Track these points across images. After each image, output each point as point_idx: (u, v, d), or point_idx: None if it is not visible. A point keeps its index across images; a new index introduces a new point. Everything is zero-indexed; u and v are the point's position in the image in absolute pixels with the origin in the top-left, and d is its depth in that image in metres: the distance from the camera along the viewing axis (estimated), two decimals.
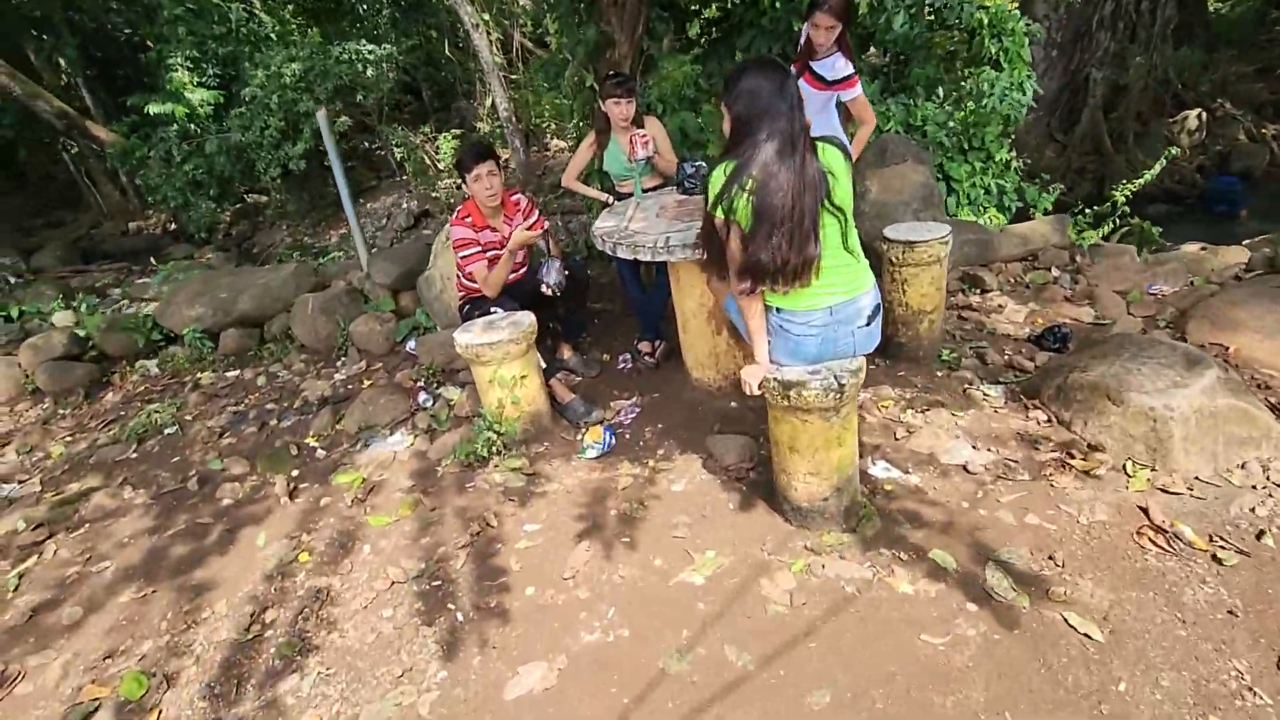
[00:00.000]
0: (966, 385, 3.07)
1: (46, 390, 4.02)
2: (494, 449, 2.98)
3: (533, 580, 2.36)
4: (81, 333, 4.13)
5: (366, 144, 11.21)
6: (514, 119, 8.83)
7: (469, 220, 3.22)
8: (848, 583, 2.16)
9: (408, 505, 2.82)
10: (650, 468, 2.83)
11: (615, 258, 2.97)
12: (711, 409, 3.12)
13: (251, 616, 2.39)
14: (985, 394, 2.99)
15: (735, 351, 3.07)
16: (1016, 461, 2.58)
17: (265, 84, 8.82)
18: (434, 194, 9.24)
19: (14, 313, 4.79)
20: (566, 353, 3.63)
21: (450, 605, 2.31)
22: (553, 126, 10.16)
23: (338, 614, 2.35)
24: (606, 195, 3.74)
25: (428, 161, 9.51)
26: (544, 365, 3.17)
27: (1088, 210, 5.20)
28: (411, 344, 3.98)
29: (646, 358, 3.49)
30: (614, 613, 2.19)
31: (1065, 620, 1.93)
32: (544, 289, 3.14)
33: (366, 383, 3.80)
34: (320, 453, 3.28)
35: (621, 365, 3.62)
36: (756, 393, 2.26)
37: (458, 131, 9.76)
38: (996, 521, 2.32)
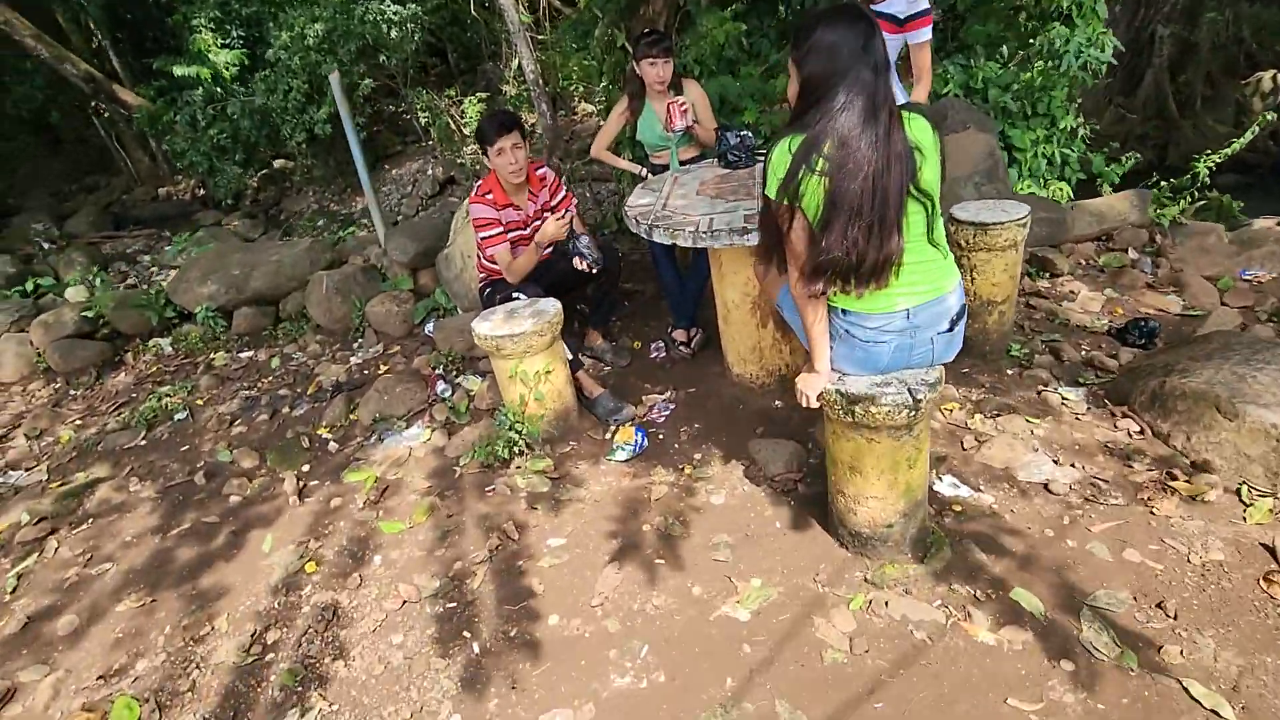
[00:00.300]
0: (1041, 386, 2.70)
1: (58, 370, 3.82)
2: (516, 449, 2.70)
3: (557, 606, 2.09)
4: (91, 313, 3.90)
5: (392, 108, 10.84)
6: (541, 81, 8.38)
7: (489, 197, 2.88)
8: (917, 626, 1.85)
9: (423, 510, 2.56)
10: (687, 475, 2.53)
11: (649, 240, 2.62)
12: (754, 408, 2.79)
13: (253, 636, 2.15)
14: (1064, 398, 2.62)
15: (782, 346, 2.72)
16: (1107, 481, 2.22)
17: (288, 45, 8.47)
18: (459, 160, 8.89)
19: (29, 287, 4.59)
20: (595, 339, 3.32)
21: (466, 633, 2.05)
22: (581, 89, 9.67)
23: (344, 637, 2.11)
24: (639, 167, 3.37)
25: (453, 126, 9.13)
26: (570, 357, 2.86)
27: (1163, 183, 4.68)
28: (430, 326, 3.70)
29: (681, 347, 3.16)
30: (648, 651, 1.91)
31: (1185, 690, 1.60)
32: (580, 266, 2.80)
33: (383, 368, 3.53)
34: (333, 446, 3.03)
35: (654, 354, 3.29)
36: (814, 405, 1.93)
37: (484, 95, 9.33)
38: (1088, 556, 1.98)
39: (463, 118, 9.36)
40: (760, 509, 2.33)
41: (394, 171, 9.97)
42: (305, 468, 2.92)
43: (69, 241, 9.34)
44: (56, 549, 2.69)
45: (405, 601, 2.19)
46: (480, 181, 2.93)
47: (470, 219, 2.95)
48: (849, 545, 2.10)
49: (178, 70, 9.52)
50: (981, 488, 2.28)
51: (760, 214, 1.80)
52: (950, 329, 1.83)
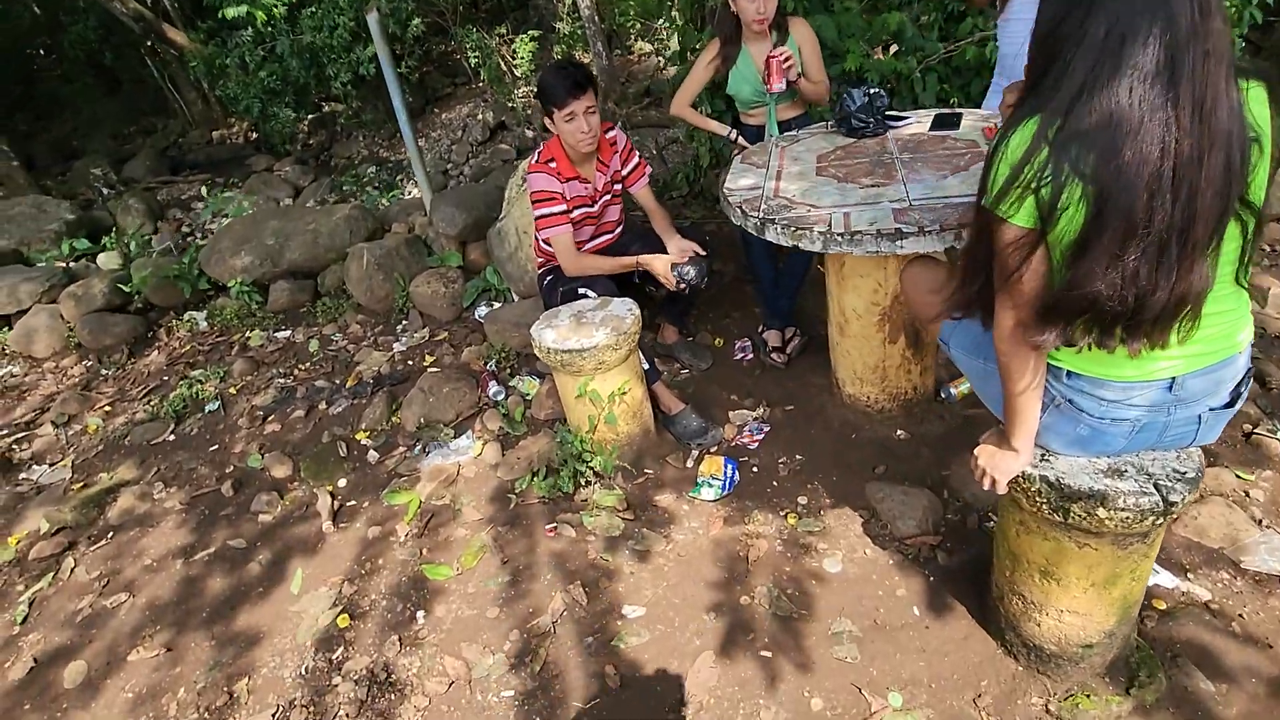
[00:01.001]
0: (1249, 426, 2.05)
1: (88, 347, 3.46)
2: (582, 480, 2.21)
3: (640, 711, 1.62)
4: (129, 288, 3.48)
5: (441, 47, 10.11)
6: (596, 18, 7.55)
7: (553, 165, 2.30)
8: None
9: (473, 551, 2.10)
10: (791, 526, 2.00)
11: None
12: (870, 438, 2.22)
13: (274, 717, 1.75)
14: None
15: (912, 365, 2.12)
16: None
17: None
18: (510, 104, 8.21)
19: (65, 249, 4.22)
20: (669, 335, 2.76)
21: None
22: (638, 26, 8.77)
23: None
24: (728, 129, 2.71)
25: (503, 67, 8.39)
26: (646, 366, 2.31)
27: None
28: (481, 311, 3.18)
29: (774, 354, 2.57)
30: None
31: None
32: (680, 288, 2.25)
33: (429, 359, 3.04)
34: (373, 455, 2.58)
35: (739, 355, 2.72)
36: (1001, 491, 1.36)
37: (535, 33, 8.53)
38: None
39: (514, 58, 8.62)
40: (890, 584, 1.80)
41: (444, 116, 9.35)
42: (341, 482, 2.49)
43: (127, 186, 9.10)
44: (73, 569, 2.34)
45: (453, 683, 1.75)
46: (541, 147, 2.34)
47: (528, 191, 2.37)
48: (1021, 658, 1.55)
49: (229, 11, 8.97)
50: (1190, 574, 1.70)
51: (972, 234, 1.18)
52: (1230, 403, 1.22)
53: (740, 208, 1.87)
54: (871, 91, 2.14)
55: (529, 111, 8.17)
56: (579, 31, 8.22)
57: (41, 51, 13.00)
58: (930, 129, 2.13)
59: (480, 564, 2.07)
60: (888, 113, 2.18)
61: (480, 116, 9.00)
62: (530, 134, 8.11)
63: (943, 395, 2.29)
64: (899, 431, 2.21)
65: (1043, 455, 1.33)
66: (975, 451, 1.38)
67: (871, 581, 1.81)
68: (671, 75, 7.44)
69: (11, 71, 12.32)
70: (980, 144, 1.97)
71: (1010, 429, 1.29)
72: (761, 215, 1.79)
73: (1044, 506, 1.30)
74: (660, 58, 8.42)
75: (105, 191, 9.30)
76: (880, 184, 1.83)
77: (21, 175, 8.93)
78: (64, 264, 4.21)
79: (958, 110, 2.22)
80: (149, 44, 10.69)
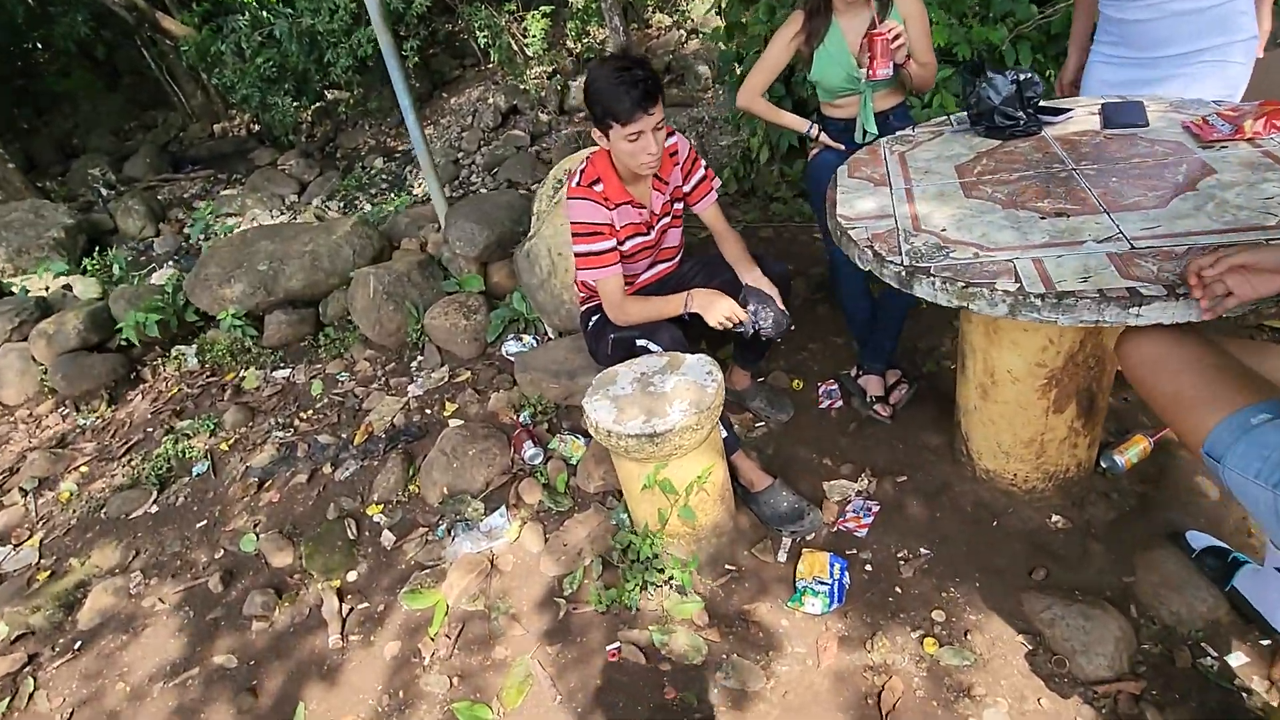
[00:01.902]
0: None
1: (64, 394, 3.01)
2: (650, 586, 1.74)
3: None
4: (130, 334, 2.91)
5: (449, 27, 9.49)
6: None
7: (600, 190, 1.78)
8: None
9: (516, 683, 1.64)
10: (931, 656, 1.51)
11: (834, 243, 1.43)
12: (1018, 528, 1.72)
13: None
14: None
15: (1079, 439, 1.61)
16: None
17: None
18: (522, 86, 7.65)
19: (40, 273, 3.77)
20: (742, 380, 2.25)
21: None
22: None
23: None
24: (808, 124, 2.17)
25: (515, 47, 7.81)
26: (725, 434, 1.82)
27: None
28: (510, 345, 2.69)
29: (878, 407, 2.06)
30: None
31: None
32: (753, 332, 1.74)
33: (450, 406, 2.56)
34: (387, 536, 2.13)
35: (825, 401, 2.21)
36: None
37: (548, 9, 7.91)
38: None
39: (525, 36, 8.04)
40: None
41: (452, 100, 8.81)
42: (351, 575, 2.04)
43: (127, 186, 8.68)
44: (32, 695, 1.91)
45: None
46: (583, 166, 1.82)
47: (568, 221, 1.86)
48: None
49: None
50: None
51: None
52: None
53: (871, 248, 1.35)
54: (1022, 77, 1.59)
55: (542, 94, 7.62)
56: (594, 5, 7.61)
57: (39, 46, 12.51)
58: (1104, 126, 1.59)
59: (526, 703, 1.61)
60: (1044, 105, 1.64)
61: (491, 100, 8.45)
62: (545, 117, 7.56)
63: (1104, 465, 1.77)
64: (1055, 517, 1.71)
65: None
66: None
67: None
68: (694, 50, 6.81)
69: (10, 67, 11.85)
70: (1189, 146, 1.43)
71: None
72: (908, 262, 1.27)
73: None
74: (681, 30, 7.81)
75: (105, 193, 8.88)
76: (1068, 210, 1.30)
77: (19, 178, 8.49)
78: (44, 287, 3.77)
79: (1132, 98, 1.67)
80: (145, 34, 10.17)
